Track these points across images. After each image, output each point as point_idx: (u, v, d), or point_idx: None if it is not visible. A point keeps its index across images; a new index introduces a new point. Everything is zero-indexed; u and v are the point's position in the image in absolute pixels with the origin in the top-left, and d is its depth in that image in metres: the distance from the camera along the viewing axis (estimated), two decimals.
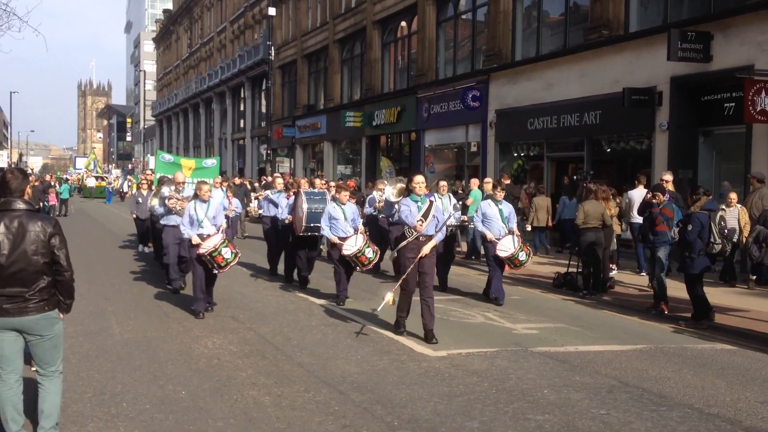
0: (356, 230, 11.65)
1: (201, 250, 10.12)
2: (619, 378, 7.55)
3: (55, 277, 5.18)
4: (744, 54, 14.54)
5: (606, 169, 18.92)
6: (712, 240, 10.12)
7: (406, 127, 28.26)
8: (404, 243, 8.90)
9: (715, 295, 10.72)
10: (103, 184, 54.84)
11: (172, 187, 12.39)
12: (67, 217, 33.53)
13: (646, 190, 15.12)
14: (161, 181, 14.49)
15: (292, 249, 13.42)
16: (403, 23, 29.55)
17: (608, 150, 19.12)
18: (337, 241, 11.43)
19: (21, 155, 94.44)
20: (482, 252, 14.05)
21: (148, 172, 21.40)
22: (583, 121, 18.88)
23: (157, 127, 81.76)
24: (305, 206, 12.39)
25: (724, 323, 10.13)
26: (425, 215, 8.86)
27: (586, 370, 7.81)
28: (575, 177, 18.24)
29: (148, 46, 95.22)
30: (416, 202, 8.97)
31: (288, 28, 41.35)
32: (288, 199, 13.71)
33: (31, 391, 5.42)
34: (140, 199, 18.19)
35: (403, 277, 8.85)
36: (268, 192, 14.86)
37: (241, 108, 51.04)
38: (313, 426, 5.95)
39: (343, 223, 11.57)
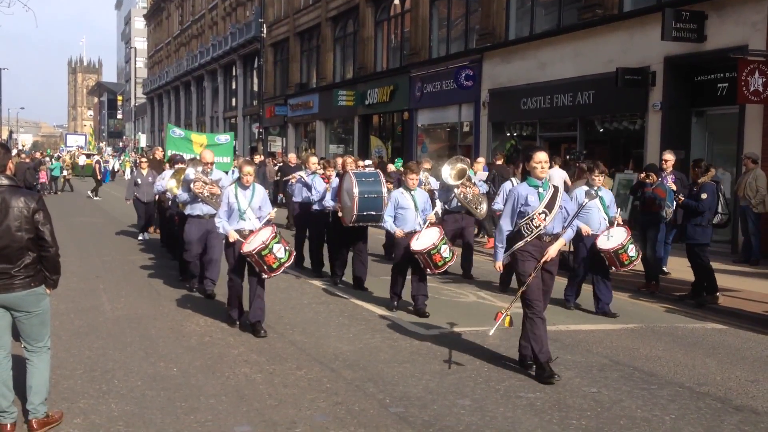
0: (426, 222, 9.33)
1: (246, 248, 7.89)
2: (611, 357, 7.58)
3: (40, 252, 5.14)
4: (738, 34, 14.50)
5: (599, 150, 18.90)
6: (719, 210, 10.18)
7: (398, 107, 28.15)
8: (521, 243, 6.70)
9: None
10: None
11: (199, 168, 10.17)
12: (58, 195, 33.38)
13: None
14: (172, 160, 13.12)
15: (334, 242, 11.64)
16: (397, 1, 29.34)
17: (601, 130, 19.09)
18: (402, 234, 9.25)
19: (11, 132, 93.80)
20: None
21: (159, 149, 18.97)
22: (576, 101, 18.83)
23: (148, 104, 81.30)
24: (356, 191, 10.14)
25: (715, 303, 10.16)
26: (549, 206, 6.66)
27: (577, 349, 7.84)
28: (568, 157, 18.24)
29: (139, 23, 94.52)
30: (536, 188, 6.71)
31: (280, 6, 41.02)
32: (329, 182, 11.77)
33: (22, 367, 5.39)
34: (140, 180, 16.51)
35: (522, 289, 6.73)
36: (301, 173, 12.84)
37: (233, 86, 50.77)
38: (305, 403, 5.95)
39: (412, 214, 9.33)
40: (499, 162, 17.11)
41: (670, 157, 11.86)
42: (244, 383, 6.46)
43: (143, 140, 76.15)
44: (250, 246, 7.91)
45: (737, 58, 13.85)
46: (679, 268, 11.54)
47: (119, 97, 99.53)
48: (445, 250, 8.95)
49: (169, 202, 12.73)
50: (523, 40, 21.25)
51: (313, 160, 12.97)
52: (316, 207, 11.90)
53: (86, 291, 10.48)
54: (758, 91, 13.68)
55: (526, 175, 6.91)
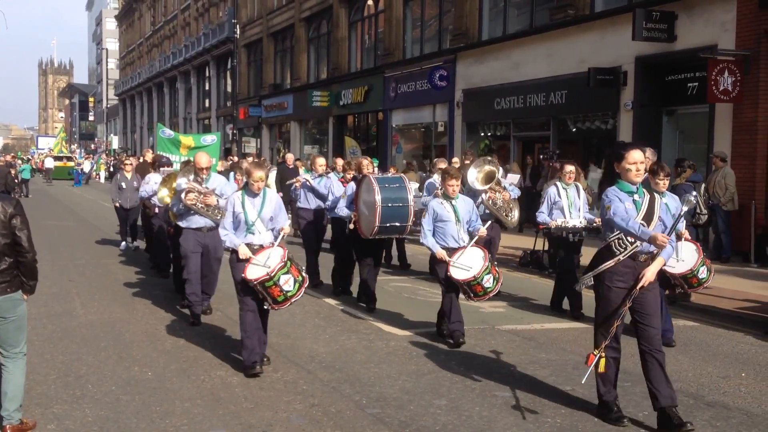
0: (472, 236, 7.98)
1: (249, 275, 6.65)
2: (584, 355, 7.57)
3: (17, 258, 5.09)
4: (708, 34, 14.68)
5: (571, 149, 19.05)
6: (698, 211, 10.22)
7: (373, 107, 28.17)
8: (611, 263, 5.52)
9: None
10: (69, 164, 53.01)
11: (191, 177, 8.79)
12: (29, 198, 33.01)
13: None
14: (156, 162, 12.14)
15: (353, 255, 10.27)
16: (370, 1, 29.35)
17: (574, 130, 19.25)
18: (444, 256, 7.80)
19: None
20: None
21: (148, 150, 17.41)
22: (549, 100, 18.97)
23: (120, 106, 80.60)
24: (379, 198, 8.90)
25: (687, 300, 10.28)
26: (648, 217, 5.55)
27: (552, 348, 7.89)
28: (541, 156, 18.38)
29: (111, 24, 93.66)
30: (631, 194, 5.57)
31: (253, 6, 40.86)
32: (346, 186, 10.26)
33: None
34: (124, 184, 15.09)
35: (616, 323, 5.56)
36: (306, 177, 11.35)
37: (206, 87, 50.50)
38: (281, 405, 5.95)
39: (453, 228, 7.96)
40: (468, 162, 17.12)
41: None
42: (220, 386, 6.43)
43: (115, 142, 75.50)
44: (252, 273, 6.68)
45: (707, 58, 14.02)
46: None
47: (91, 99, 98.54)
48: (488, 280, 7.64)
49: (156, 210, 11.58)
50: (496, 41, 21.36)
51: (320, 161, 11.45)
52: (332, 213, 10.53)
53: (59, 295, 10.37)
54: (727, 90, 13.87)
55: (615, 178, 5.68)
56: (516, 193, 11.24)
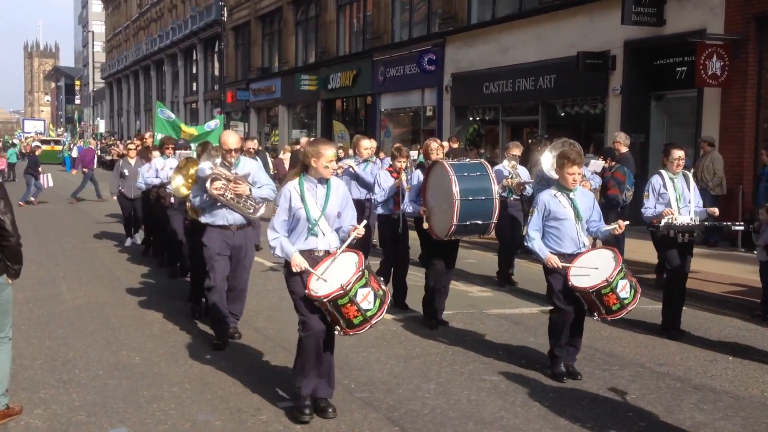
0: (605, 232, 6.49)
1: (314, 292, 5.12)
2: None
3: (1, 242, 5.04)
4: (697, 18, 14.69)
5: (560, 133, 19.02)
6: None
7: (361, 91, 28.08)
8: None
9: None
10: (57, 148, 52.41)
11: (218, 161, 7.01)
12: (16, 181, 32.78)
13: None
14: (164, 145, 10.76)
15: (403, 258, 8.76)
16: None
17: (562, 114, 19.26)
18: (556, 261, 6.22)
19: None
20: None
21: (147, 135, 15.53)
22: (538, 85, 18.95)
23: (107, 89, 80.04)
24: (456, 189, 7.20)
25: None
26: None
27: (540, 331, 7.89)
28: (530, 141, 18.35)
29: (97, 6, 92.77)
30: None
31: None
32: (399, 177, 8.44)
33: None
34: (127, 171, 13.41)
35: None
36: (349, 162, 9.68)
37: (194, 71, 50.18)
38: (270, 389, 5.93)
39: (572, 227, 6.30)
40: (455, 145, 17.16)
41: (620, 138, 11.82)
42: (208, 371, 6.41)
43: (102, 126, 74.95)
44: (320, 289, 5.13)
45: (696, 42, 14.03)
46: (640, 250, 11.69)
47: (77, 82, 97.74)
48: (624, 288, 6.03)
49: (171, 199, 9.54)
50: (485, 24, 21.30)
51: (365, 144, 9.73)
52: (380, 210, 8.84)
53: (45, 279, 10.31)
54: (716, 74, 13.90)
55: None
56: (597, 182, 9.91)
